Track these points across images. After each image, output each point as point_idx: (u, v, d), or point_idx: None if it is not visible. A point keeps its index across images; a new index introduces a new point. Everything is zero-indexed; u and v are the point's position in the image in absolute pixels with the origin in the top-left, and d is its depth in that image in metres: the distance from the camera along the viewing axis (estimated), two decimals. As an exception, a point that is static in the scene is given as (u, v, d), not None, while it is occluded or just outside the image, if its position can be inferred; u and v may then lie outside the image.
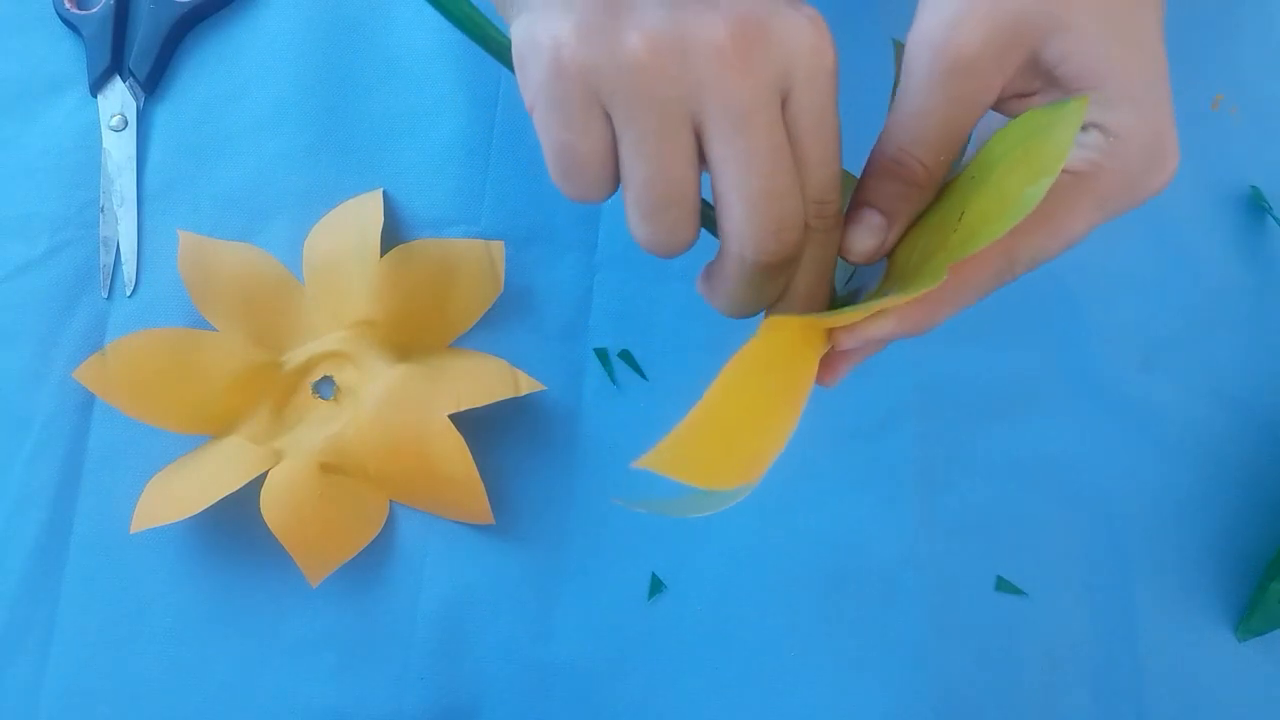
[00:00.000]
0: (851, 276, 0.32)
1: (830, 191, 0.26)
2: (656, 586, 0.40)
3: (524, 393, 0.40)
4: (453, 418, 0.39)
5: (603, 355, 0.42)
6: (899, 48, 0.30)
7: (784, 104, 0.25)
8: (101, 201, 0.44)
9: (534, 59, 0.25)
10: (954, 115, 0.27)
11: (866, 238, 0.28)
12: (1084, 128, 0.28)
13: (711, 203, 0.26)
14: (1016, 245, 0.28)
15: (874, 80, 0.34)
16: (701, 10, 0.24)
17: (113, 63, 0.45)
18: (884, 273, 0.29)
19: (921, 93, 0.27)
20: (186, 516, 0.38)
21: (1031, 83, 0.28)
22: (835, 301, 0.30)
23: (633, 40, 0.24)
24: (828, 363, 0.29)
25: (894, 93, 0.29)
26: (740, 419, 0.25)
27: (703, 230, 0.27)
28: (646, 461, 0.23)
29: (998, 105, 0.29)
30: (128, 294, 0.43)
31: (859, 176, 0.28)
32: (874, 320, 0.27)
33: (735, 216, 0.25)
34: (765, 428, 0.26)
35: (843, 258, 0.28)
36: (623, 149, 0.25)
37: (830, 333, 0.28)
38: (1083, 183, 0.27)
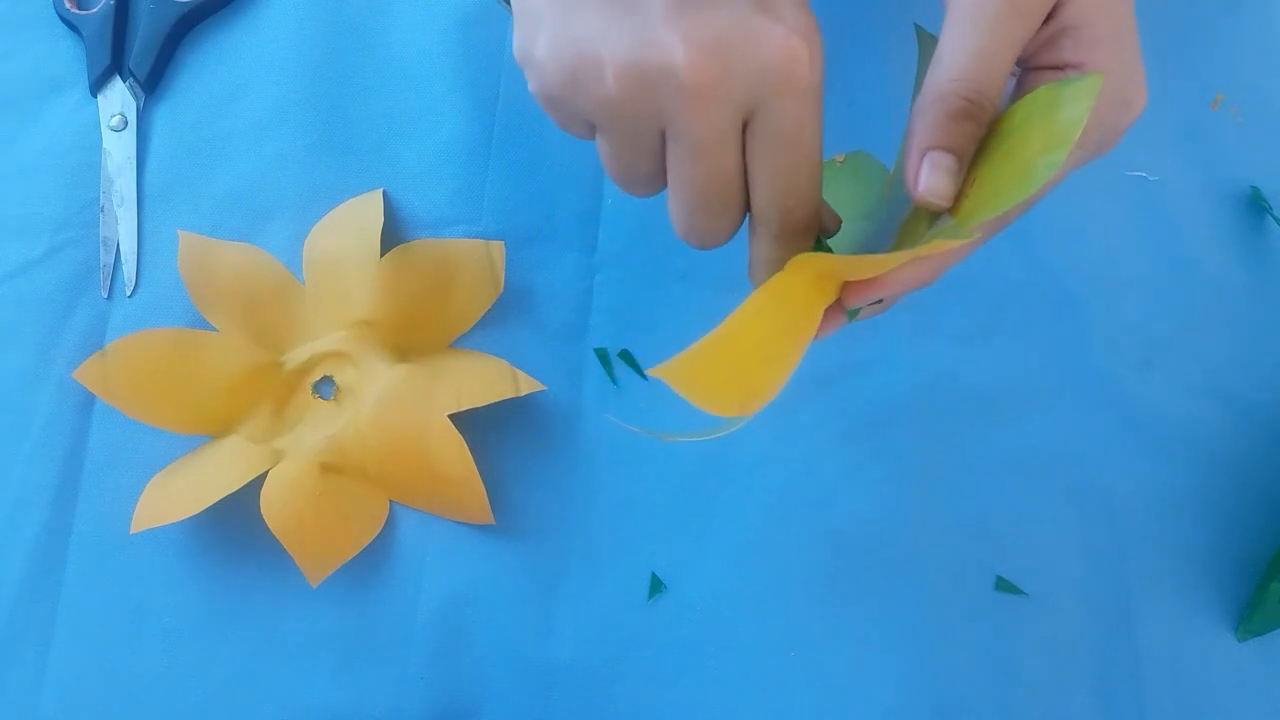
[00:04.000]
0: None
1: (795, 200, 0.28)
2: (656, 586, 0.40)
3: (524, 393, 0.40)
4: (453, 418, 0.39)
5: (603, 355, 0.42)
6: (921, 32, 0.31)
7: (749, 120, 0.27)
8: (101, 201, 0.44)
9: (530, 78, 0.28)
10: (1011, 55, 0.28)
11: (945, 181, 0.28)
12: (1061, 67, 0.29)
13: None
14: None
15: (895, 64, 0.35)
16: (668, 36, 0.25)
17: (113, 63, 0.45)
18: (894, 237, 0.30)
19: (987, 34, 0.28)
20: (186, 516, 0.38)
21: None
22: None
23: (606, 77, 0.26)
24: (825, 317, 0.30)
25: (919, 74, 0.30)
26: (749, 350, 0.27)
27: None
28: (659, 370, 0.25)
29: None
30: (128, 294, 0.43)
31: (910, 123, 0.29)
32: (887, 277, 0.28)
33: (672, 211, 0.29)
34: (769, 363, 0.28)
35: (923, 205, 0.28)
36: (602, 153, 0.29)
37: (840, 286, 0.29)
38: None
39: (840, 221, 0.31)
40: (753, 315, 0.26)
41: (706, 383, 0.26)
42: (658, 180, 0.29)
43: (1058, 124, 0.26)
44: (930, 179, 0.28)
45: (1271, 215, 0.45)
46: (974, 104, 0.28)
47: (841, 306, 0.30)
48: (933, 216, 0.29)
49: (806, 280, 0.28)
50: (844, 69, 0.44)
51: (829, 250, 0.30)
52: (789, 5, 0.26)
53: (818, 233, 0.30)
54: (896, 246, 0.30)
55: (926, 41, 0.32)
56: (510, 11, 0.29)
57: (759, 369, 0.27)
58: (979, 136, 0.28)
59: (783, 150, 0.27)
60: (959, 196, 0.28)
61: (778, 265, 0.28)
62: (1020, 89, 0.30)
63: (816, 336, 0.30)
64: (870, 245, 0.31)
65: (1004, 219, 0.30)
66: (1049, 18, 0.29)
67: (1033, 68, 0.30)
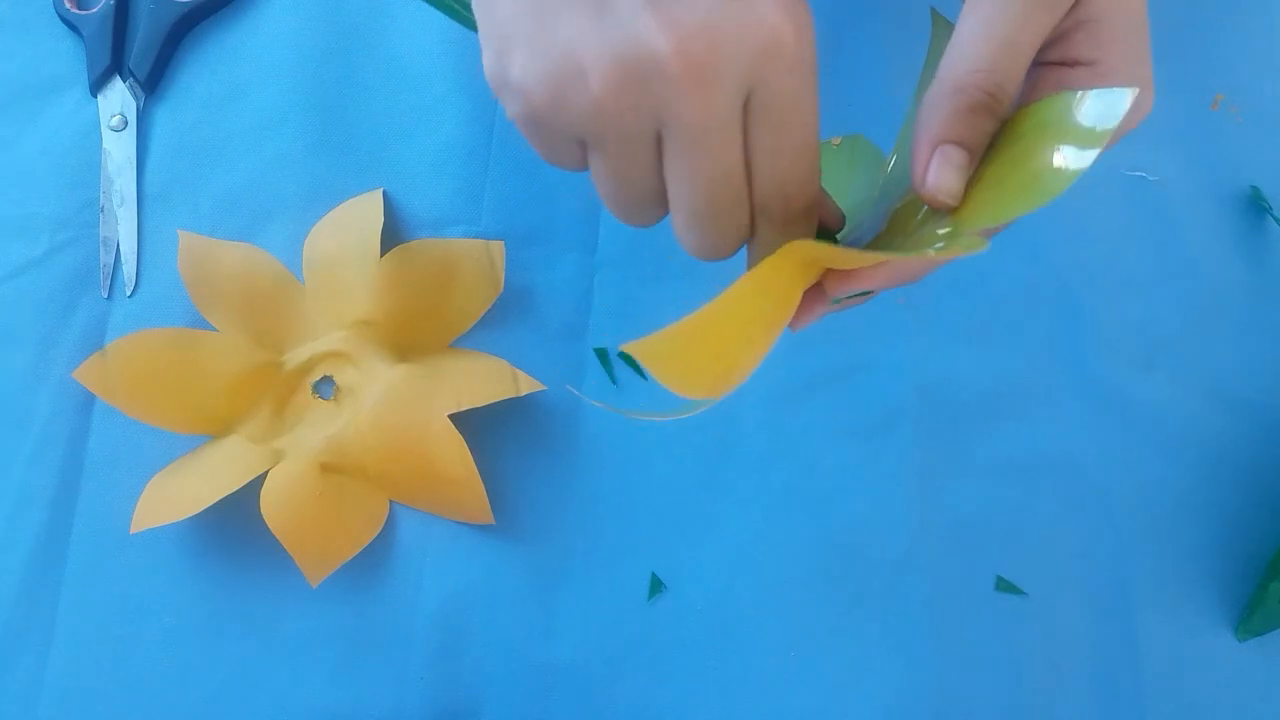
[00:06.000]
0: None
1: (795, 184, 0.26)
2: (656, 586, 0.40)
3: (524, 393, 0.40)
4: (453, 418, 0.39)
5: (603, 355, 0.42)
6: (937, 18, 0.30)
7: (746, 104, 0.25)
8: (101, 201, 0.44)
9: (508, 103, 0.26)
10: (1034, 48, 0.27)
11: (955, 177, 0.27)
12: (1071, 64, 0.28)
13: None
14: None
15: (893, 53, 0.34)
16: (648, 27, 0.23)
17: (113, 63, 0.45)
18: (885, 223, 0.29)
19: (1012, 24, 0.27)
20: (186, 516, 0.38)
21: None
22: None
23: (591, 83, 0.24)
24: (804, 307, 0.29)
25: (929, 61, 0.29)
26: (725, 337, 0.26)
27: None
28: (632, 347, 0.24)
29: None
30: (128, 294, 0.43)
31: (921, 112, 0.28)
32: (873, 272, 0.27)
33: (677, 225, 0.27)
34: (743, 349, 0.27)
35: (928, 202, 0.27)
36: (596, 177, 0.27)
37: (822, 276, 0.28)
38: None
39: (844, 219, 0.30)
40: (735, 301, 0.25)
41: (679, 365, 0.25)
42: (658, 199, 0.27)
43: (1080, 134, 0.24)
44: (940, 174, 0.27)
45: (1271, 215, 0.45)
46: (993, 98, 0.27)
47: (822, 292, 0.29)
48: (926, 208, 0.28)
49: (792, 266, 0.27)
50: (843, 61, 0.44)
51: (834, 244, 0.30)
52: None
53: (820, 228, 0.29)
54: (887, 234, 0.29)
55: (942, 27, 0.31)
56: (476, 32, 0.27)
57: (733, 353, 0.27)
58: (993, 133, 0.27)
59: (780, 129, 0.25)
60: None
61: None
62: (1027, 85, 0.29)
63: (795, 325, 0.29)
64: (860, 230, 0.31)
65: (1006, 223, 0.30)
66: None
67: (1040, 63, 0.28)
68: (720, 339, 0.26)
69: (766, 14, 0.24)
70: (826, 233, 0.29)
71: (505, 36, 0.25)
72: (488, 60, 0.26)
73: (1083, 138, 0.24)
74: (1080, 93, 0.25)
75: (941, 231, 0.27)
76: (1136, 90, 0.24)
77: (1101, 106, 0.25)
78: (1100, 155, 0.24)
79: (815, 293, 0.29)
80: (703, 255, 0.28)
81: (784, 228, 0.27)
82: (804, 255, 0.26)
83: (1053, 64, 0.28)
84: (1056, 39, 0.28)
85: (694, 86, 0.24)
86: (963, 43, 0.27)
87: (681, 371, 0.25)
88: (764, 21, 0.24)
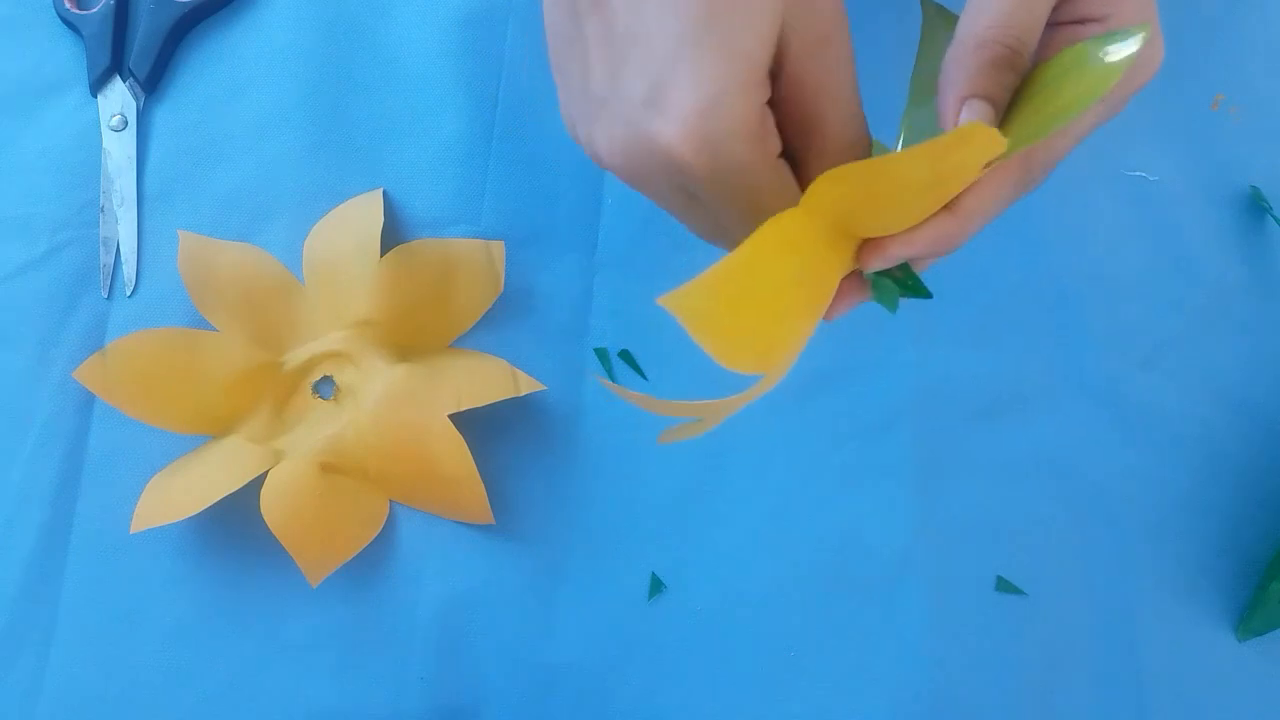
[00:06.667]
0: None
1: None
2: (656, 586, 0.40)
3: (524, 393, 0.40)
4: (453, 418, 0.39)
5: (603, 355, 0.42)
6: (927, 4, 0.31)
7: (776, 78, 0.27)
8: (101, 201, 0.44)
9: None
10: (1050, 3, 0.28)
11: None
12: (1082, 21, 0.28)
13: None
14: (1033, 150, 0.28)
15: (894, 54, 0.34)
16: (654, 120, 0.26)
17: (113, 63, 0.45)
18: None
19: None
20: (186, 516, 0.38)
21: None
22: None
23: (610, 153, 0.28)
24: (841, 294, 0.29)
25: (923, 44, 0.30)
26: (759, 291, 0.26)
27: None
28: (667, 300, 0.24)
29: None
30: (128, 294, 0.43)
31: (944, 71, 0.28)
32: (907, 235, 0.27)
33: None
34: (782, 314, 0.27)
35: None
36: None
37: (856, 253, 0.28)
38: None
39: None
40: (759, 246, 0.25)
41: (718, 321, 0.25)
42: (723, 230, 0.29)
43: (1097, 71, 0.25)
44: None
45: (1271, 215, 0.45)
46: (1014, 51, 0.27)
47: (860, 281, 0.29)
48: None
49: (819, 229, 0.26)
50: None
51: (915, 274, 0.29)
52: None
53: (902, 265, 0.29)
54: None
55: (933, 14, 0.32)
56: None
57: (771, 316, 0.26)
58: (1015, 88, 0.27)
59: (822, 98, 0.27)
60: None
61: None
62: (1041, 46, 0.29)
63: (830, 314, 0.29)
64: None
65: (1029, 180, 0.29)
66: None
67: (1053, 24, 0.29)
68: (756, 296, 0.25)
69: (662, 130, 0.25)
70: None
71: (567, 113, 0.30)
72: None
73: (1099, 74, 0.25)
74: (1089, 40, 0.26)
75: None
76: (1149, 26, 0.25)
77: (1115, 43, 0.25)
78: (1116, 84, 0.25)
79: (852, 282, 0.29)
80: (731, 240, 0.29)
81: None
82: (827, 195, 0.26)
83: (1064, 24, 0.29)
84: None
85: (702, 161, 0.26)
86: (981, 1, 0.27)
87: (721, 331, 0.25)
88: (658, 140, 0.26)
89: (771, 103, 0.27)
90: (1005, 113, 0.28)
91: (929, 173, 0.25)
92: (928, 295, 0.29)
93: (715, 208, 0.27)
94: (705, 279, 0.24)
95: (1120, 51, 0.25)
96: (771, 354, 0.27)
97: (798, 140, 0.28)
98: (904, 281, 0.29)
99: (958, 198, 0.27)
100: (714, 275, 0.24)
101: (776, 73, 0.27)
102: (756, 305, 0.26)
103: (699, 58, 0.25)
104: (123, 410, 0.40)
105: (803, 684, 0.39)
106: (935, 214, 0.27)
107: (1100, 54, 0.26)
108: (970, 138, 0.24)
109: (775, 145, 0.27)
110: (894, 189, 0.25)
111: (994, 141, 0.23)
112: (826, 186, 0.25)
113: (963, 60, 0.27)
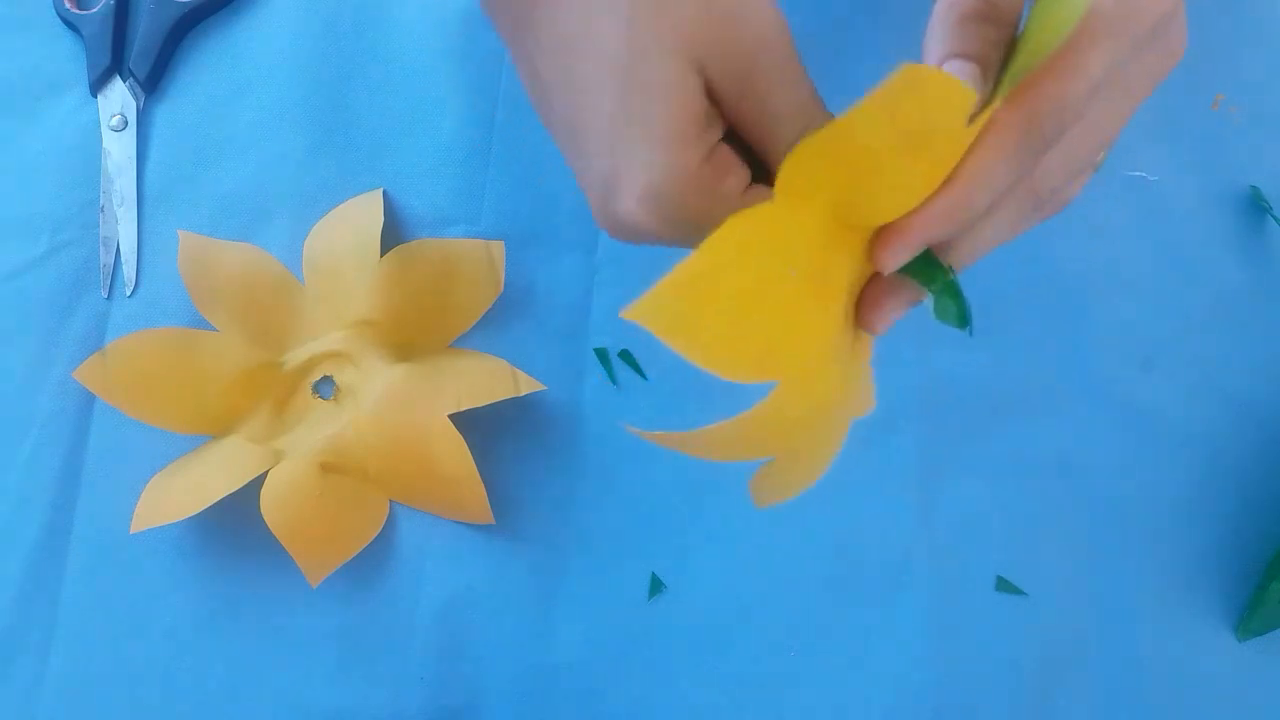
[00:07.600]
0: None
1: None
2: (656, 586, 0.40)
3: (524, 393, 0.40)
4: (453, 418, 0.39)
5: (603, 355, 0.42)
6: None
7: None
8: (101, 201, 0.44)
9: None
10: None
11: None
12: None
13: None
14: (1036, 96, 0.25)
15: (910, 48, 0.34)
16: (614, 203, 0.27)
17: (113, 63, 0.45)
18: None
19: None
20: (186, 516, 0.38)
21: None
22: None
23: (597, 222, 0.29)
24: (872, 299, 0.28)
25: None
26: (734, 290, 0.24)
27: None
28: (631, 312, 0.23)
29: None
30: (128, 294, 0.43)
31: (924, 42, 0.26)
32: (903, 219, 0.25)
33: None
34: (772, 314, 0.25)
35: None
36: None
37: (870, 251, 0.26)
38: (1090, 16, 0.25)
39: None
40: (721, 243, 0.23)
41: (691, 325, 0.23)
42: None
43: None
44: None
45: (1271, 215, 0.45)
46: (985, 2, 0.25)
47: (885, 282, 0.27)
48: None
49: (804, 221, 0.24)
50: (843, 69, 0.44)
51: (955, 280, 0.27)
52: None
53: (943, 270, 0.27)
54: None
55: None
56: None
57: (762, 320, 0.25)
58: (1001, 42, 0.25)
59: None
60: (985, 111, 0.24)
61: None
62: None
63: (874, 324, 0.27)
64: None
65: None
66: None
67: None
68: (732, 298, 0.24)
69: (622, 209, 0.27)
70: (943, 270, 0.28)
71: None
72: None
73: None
74: None
75: None
76: None
77: None
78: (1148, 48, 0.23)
79: (883, 285, 0.28)
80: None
81: None
82: (796, 170, 0.24)
83: None
84: None
85: (658, 218, 0.27)
86: None
87: (693, 335, 0.24)
88: (624, 219, 0.27)
89: (730, 132, 0.27)
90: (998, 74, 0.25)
91: (891, 129, 0.23)
92: (966, 323, 0.27)
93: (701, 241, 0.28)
94: (666, 283, 0.23)
95: None
96: (774, 359, 0.25)
97: (769, 157, 0.27)
98: (945, 287, 0.27)
99: (956, 165, 0.24)
100: (675, 278, 0.23)
101: (720, 109, 0.27)
102: (736, 306, 0.24)
103: (629, 149, 0.26)
104: (123, 410, 0.40)
105: (803, 684, 0.39)
106: (940, 193, 0.25)
107: None
108: (913, 79, 0.22)
109: (739, 179, 0.27)
110: (865, 157, 0.23)
111: (938, 79, 0.22)
112: (792, 170, 0.24)
113: (935, 27, 0.26)
